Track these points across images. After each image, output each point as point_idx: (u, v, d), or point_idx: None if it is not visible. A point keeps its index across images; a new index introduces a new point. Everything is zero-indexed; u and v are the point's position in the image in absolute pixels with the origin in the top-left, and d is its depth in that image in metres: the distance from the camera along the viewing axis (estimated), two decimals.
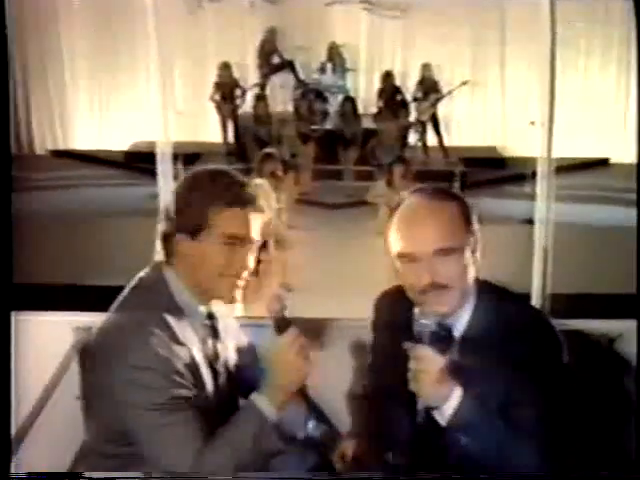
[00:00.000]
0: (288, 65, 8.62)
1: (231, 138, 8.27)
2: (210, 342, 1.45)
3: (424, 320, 1.32)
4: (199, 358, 1.38)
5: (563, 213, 2.72)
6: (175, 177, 2.52)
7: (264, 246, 3.74)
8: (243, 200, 1.37)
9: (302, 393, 1.42)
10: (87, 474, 1.38)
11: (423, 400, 1.31)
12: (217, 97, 8.19)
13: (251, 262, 1.40)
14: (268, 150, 5.04)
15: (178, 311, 1.38)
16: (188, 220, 1.37)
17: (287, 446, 1.38)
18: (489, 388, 1.29)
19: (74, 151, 8.94)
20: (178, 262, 1.40)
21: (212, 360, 1.43)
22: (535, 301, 2.43)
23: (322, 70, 8.56)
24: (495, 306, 1.38)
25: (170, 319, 1.35)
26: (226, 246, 1.36)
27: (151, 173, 2.71)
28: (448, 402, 1.29)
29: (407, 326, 1.34)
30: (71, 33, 8.82)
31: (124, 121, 8.82)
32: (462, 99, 8.66)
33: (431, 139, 8.32)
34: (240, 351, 1.57)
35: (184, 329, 1.37)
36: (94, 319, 1.51)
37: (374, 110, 8.24)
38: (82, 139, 9.16)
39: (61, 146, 9.12)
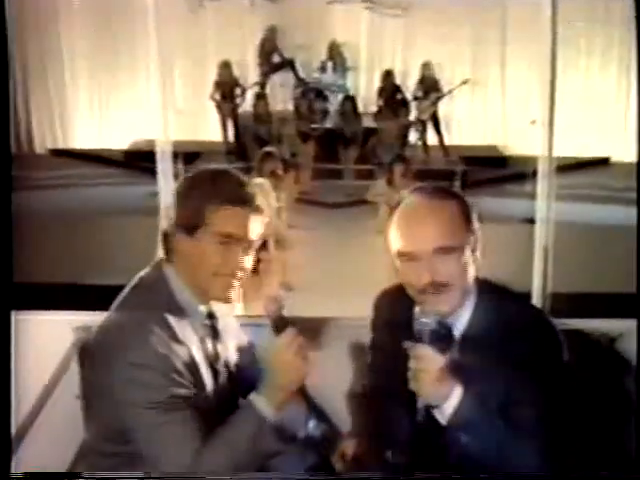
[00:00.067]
0: (288, 64, 8.61)
1: (231, 137, 8.27)
2: (210, 342, 1.45)
3: (424, 319, 1.31)
4: (198, 357, 1.38)
5: (564, 212, 2.71)
6: (175, 176, 2.52)
7: (264, 245, 3.75)
8: (241, 199, 1.36)
9: (302, 392, 1.42)
10: (87, 474, 1.38)
11: (423, 399, 1.31)
12: (217, 96, 8.18)
13: (248, 262, 1.40)
14: (268, 149, 5.04)
15: (178, 310, 1.38)
16: (186, 218, 1.37)
17: (286, 446, 1.37)
18: (489, 387, 1.29)
19: (74, 150, 8.94)
20: (177, 260, 1.40)
21: (212, 360, 1.43)
22: (536, 300, 2.42)
23: (322, 69, 8.55)
24: (495, 305, 1.38)
25: (170, 318, 1.35)
26: (222, 245, 1.36)
27: (151, 172, 2.70)
28: (448, 401, 1.28)
29: (407, 325, 1.34)
30: (71, 32, 8.81)
31: (124, 120, 8.82)
32: (463, 98, 8.66)
33: (431, 138, 8.32)
34: (241, 351, 1.57)
35: (184, 328, 1.36)
36: (94, 318, 1.51)
37: (374, 109, 8.23)
38: (82, 138, 9.16)
39: (61, 145, 9.13)
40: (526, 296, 2.28)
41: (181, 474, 1.27)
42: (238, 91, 8.25)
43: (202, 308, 1.43)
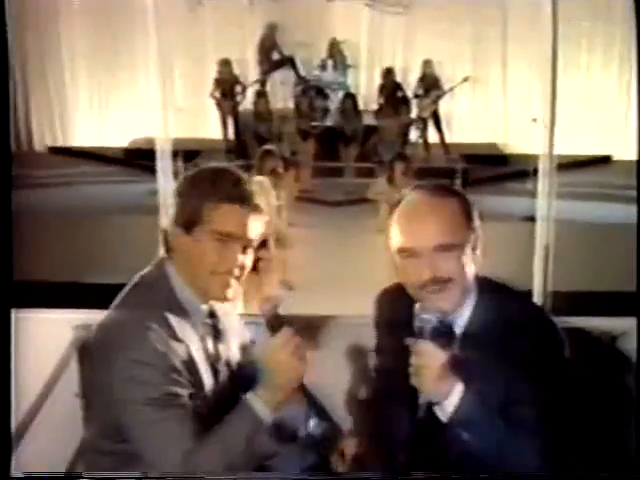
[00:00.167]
0: (288, 61, 8.60)
1: (231, 135, 8.26)
2: (211, 341, 1.44)
3: (425, 315, 1.31)
4: (198, 356, 1.37)
5: (564, 210, 2.71)
6: (175, 174, 2.52)
7: (264, 244, 3.74)
8: (239, 197, 1.36)
9: (303, 391, 1.42)
10: (87, 474, 1.38)
11: (424, 396, 1.31)
12: (217, 94, 8.17)
13: (247, 260, 1.39)
14: (268, 147, 5.04)
15: (179, 308, 1.37)
16: (184, 215, 1.36)
17: (283, 447, 1.37)
18: (490, 385, 1.28)
19: (73, 148, 8.94)
20: (177, 259, 1.40)
21: (213, 359, 1.43)
22: (536, 298, 2.42)
23: (323, 67, 8.55)
24: (496, 303, 1.38)
25: (170, 316, 1.34)
26: (219, 243, 1.35)
27: (151, 170, 2.70)
28: (449, 398, 1.28)
29: (408, 323, 1.33)
30: (71, 31, 8.81)
31: (124, 118, 8.82)
32: (463, 96, 8.65)
33: (432, 136, 8.31)
34: (243, 350, 1.56)
35: (184, 326, 1.36)
36: (93, 317, 1.51)
37: (375, 107, 8.22)
38: (82, 136, 9.16)
39: (60, 143, 9.12)
40: (527, 294, 2.28)
41: (180, 474, 1.27)
42: (238, 89, 8.23)
43: (203, 307, 1.42)
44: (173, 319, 1.34)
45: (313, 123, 7.93)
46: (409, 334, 1.32)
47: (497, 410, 1.29)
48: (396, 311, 1.43)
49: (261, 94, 8.08)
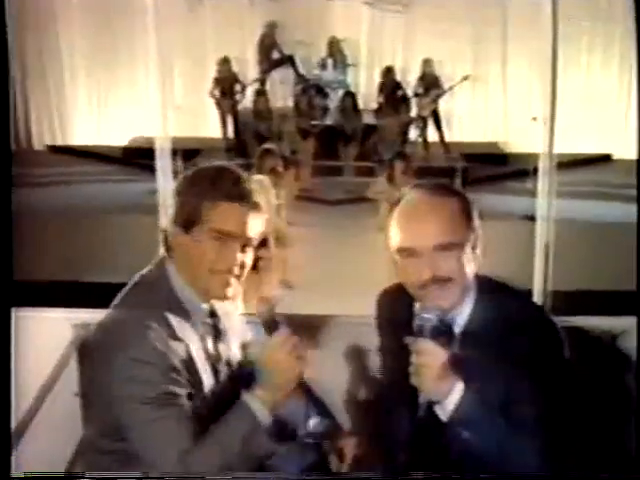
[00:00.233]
0: (288, 60, 8.59)
1: (231, 134, 8.25)
2: (211, 340, 1.44)
3: (425, 314, 1.31)
4: (197, 356, 1.37)
5: (564, 209, 2.71)
6: (174, 173, 2.52)
7: (264, 243, 3.74)
8: (238, 195, 1.35)
9: (303, 389, 1.41)
10: (86, 474, 1.38)
11: (425, 395, 1.30)
12: (217, 92, 8.16)
13: (247, 259, 1.38)
14: (268, 146, 5.04)
15: (179, 307, 1.37)
16: (184, 214, 1.36)
17: (283, 445, 1.37)
18: (490, 384, 1.28)
19: (73, 147, 8.93)
20: (177, 257, 1.40)
21: (213, 359, 1.43)
22: (536, 298, 2.42)
23: (322, 65, 8.54)
24: (496, 302, 1.37)
25: (170, 315, 1.34)
26: (218, 242, 1.34)
27: (150, 169, 2.70)
28: (450, 397, 1.28)
29: (408, 322, 1.33)
30: (70, 30, 8.80)
31: (123, 117, 8.82)
32: (463, 95, 8.64)
33: (432, 135, 8.30)
34: (245, 349, 1.56)
35: (184, 325, 1.36)
36: (93, 316, 1.50)
37: (375, 106, 8.21)
38: (81, 135, 9.15)
39: (60, 142, 9.12)
40: (527, 293, 2.28)
41: (179, 474, 1.27)
42: (238, 87, 8.22)
43: (204, 306, 1.42)
44: (173, 318, 1.34)
45: (313, 122, 7.92)
46: (409, 333, 1.32)
47: (497, 407, 1.29)
48: (396, 311, 1.42)
49: (261, 93, 8.07)
